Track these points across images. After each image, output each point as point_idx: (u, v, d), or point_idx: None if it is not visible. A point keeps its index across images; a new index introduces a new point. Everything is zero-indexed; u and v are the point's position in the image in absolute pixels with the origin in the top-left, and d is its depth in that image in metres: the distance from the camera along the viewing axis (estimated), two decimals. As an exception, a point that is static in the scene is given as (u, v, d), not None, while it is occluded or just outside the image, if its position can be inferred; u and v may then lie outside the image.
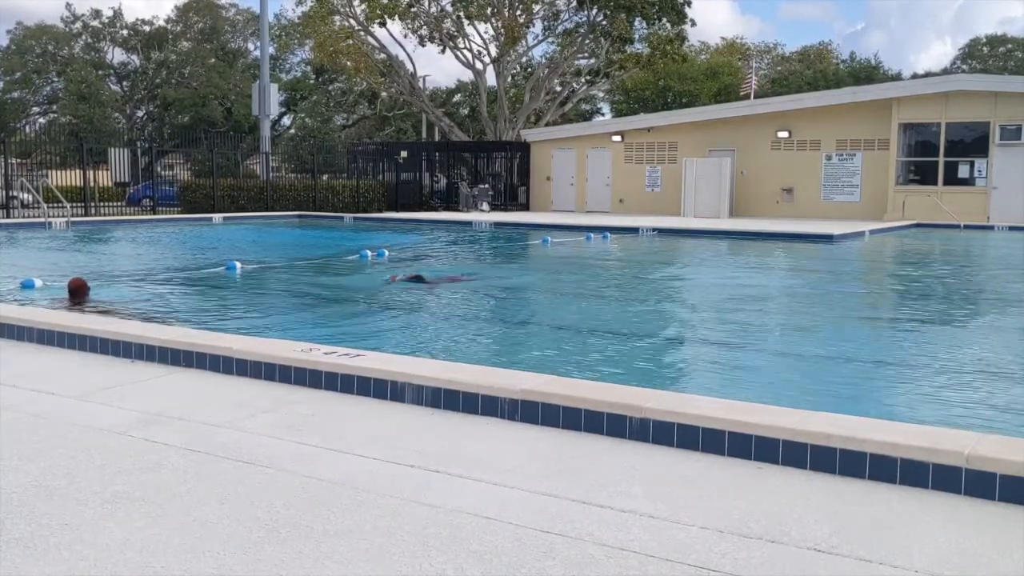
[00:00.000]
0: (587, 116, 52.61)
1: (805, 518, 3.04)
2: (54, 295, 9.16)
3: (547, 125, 38.02)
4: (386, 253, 14.71)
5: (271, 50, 42.76)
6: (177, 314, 8.22)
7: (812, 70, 53.95)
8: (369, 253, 14.46)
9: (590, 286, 11.86)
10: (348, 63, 37.84)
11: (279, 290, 11.02)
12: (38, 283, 9.91)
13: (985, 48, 57.71)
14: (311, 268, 13.78)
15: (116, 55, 58.32)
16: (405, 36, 38.95)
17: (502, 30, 36.32)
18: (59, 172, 26.91)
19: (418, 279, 10.79)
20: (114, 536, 2.83)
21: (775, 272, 14.29)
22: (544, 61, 41.68)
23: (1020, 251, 17.82)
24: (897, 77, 51.50)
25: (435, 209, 30.60)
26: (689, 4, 36.79)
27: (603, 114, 55.36)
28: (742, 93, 42.11)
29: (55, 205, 22.82)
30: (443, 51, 38.09)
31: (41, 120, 54.78)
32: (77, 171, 25.67)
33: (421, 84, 43.74)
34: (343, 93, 54.87)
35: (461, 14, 36.94)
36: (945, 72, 51.72)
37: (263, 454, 3.67)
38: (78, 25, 56.96)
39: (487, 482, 3.37)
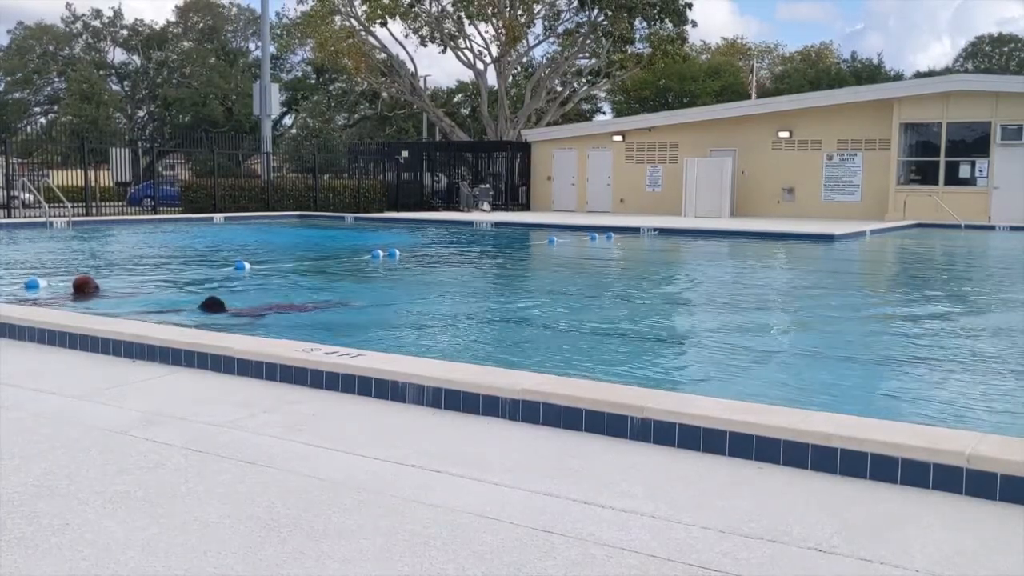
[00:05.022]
0: (588, 116, 52.59)
1: (806, 518, 3.04)
2: (58, 295, 9.16)
3: (548, 125, 38.03)
4: (397, 253, 14.58)
5: (272, 50, 42.77)
6: (184, 314, 8.20)
7: (815, 69, 53.95)
8: (381, 253, 14.36)
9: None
10: (349, 63, 37.86)
11: (285, 289, 11.00)
12: (42, 283, 9.90)
13: (988, 47, 57.68)
14: (315, 269, 13.79)
15: (116, 55, 58.41)
16: (406, 36, 39.04)
17: (503, 30, 36.33)
18: (60, 172, 26.95)
19: (214, 307, 7.96)
20: (115, 536, 2.83)
21: (776, 272, 14.29)
22: (545, 61, 41.69)
23: (1022, 251, 17.82)
24: (899, 77, 51.46)
25: (436, 209, 30.61)
26: (690, 6, 36.82)
27: (604, 114, 55.39)
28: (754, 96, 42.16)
29: (56, 205, 22.83)
30: (444, 51, 38.16)
31: (43, 120, 54.87)
32: (78, 171, 25.69)
33: (422, 84, 43.75)
34: (344, 93, 54.89)
35: (462, 14, 36.95)
36: (947, 71, 51.67)
37: (264, 454, 3.68)
38: (78, 25, 57.02)
39: (488, 482, 3.37)
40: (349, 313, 8.99)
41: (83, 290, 9.03)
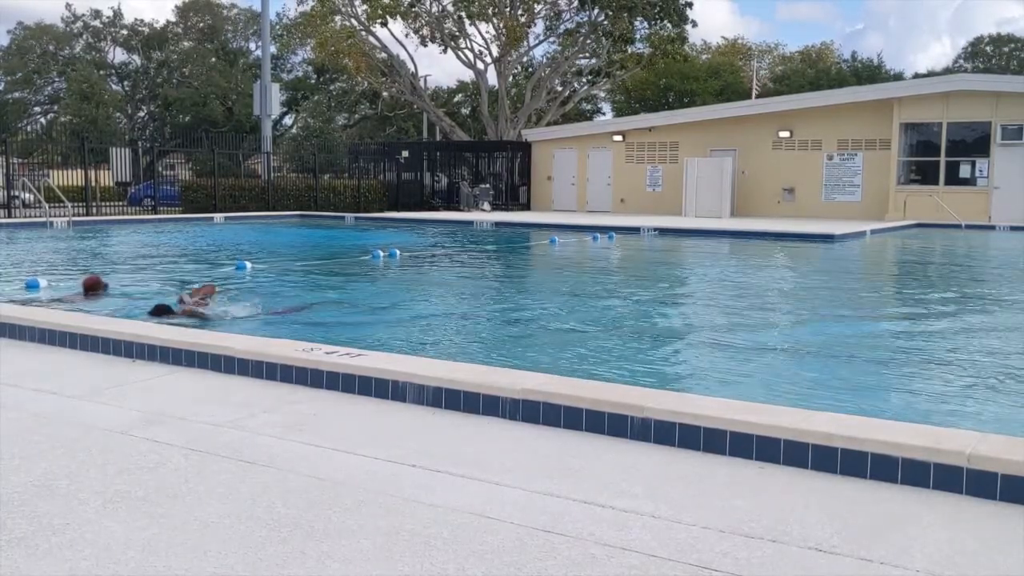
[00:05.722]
0: (588, 116, 52.57)
1: (806, 518, 3.04)
2: (59, 294, 9.14)
3: (548, 125, 38.02)
4: (398, 253, 14.56)
5: (272, 50, 42.76)
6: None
7: (815, 69, 53.94)
8: (381, 253, 14.35)
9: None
10: (349, 63, 37.86)
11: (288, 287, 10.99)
12: (43, 283, 9.89)
13: (988, 47, 57.67)
14: (318, 268, 13.78)
15: (117, 55, 58.42)
16: (407, 36, 39.04)
17: (503, 30, 36.33)
18: (60, 172, 26.95)
19: (163, 311, 7.68)
20: (115, 536, 2.83)
21: (777, 272, 14.29)
22: (545, 61, 41.69)
23: (1022, 251, 17.81)
24: (899, 77, 51.43)
25: (436, 209, 30.60)
26: (690, 6, 36.83)
27: (604, 114, 55.36)
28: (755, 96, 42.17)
29: (56, 205, 22.83)
30: (444, 51, 38.14)
31: (43, 120, 54.88)
32: (78, 171, 25.70)
33: (422, 84, 43.74)
34: (344, 93, 54.88)
35: (463, 14, 36.94)
36: (947, 71, 51.64)
37: (264, 454, 3.67)
38: (78, 25, 57.01)
39: (489, 482, 3.37)
40: (350, 313, 8.98)
41: (93, 290, 9.02)
